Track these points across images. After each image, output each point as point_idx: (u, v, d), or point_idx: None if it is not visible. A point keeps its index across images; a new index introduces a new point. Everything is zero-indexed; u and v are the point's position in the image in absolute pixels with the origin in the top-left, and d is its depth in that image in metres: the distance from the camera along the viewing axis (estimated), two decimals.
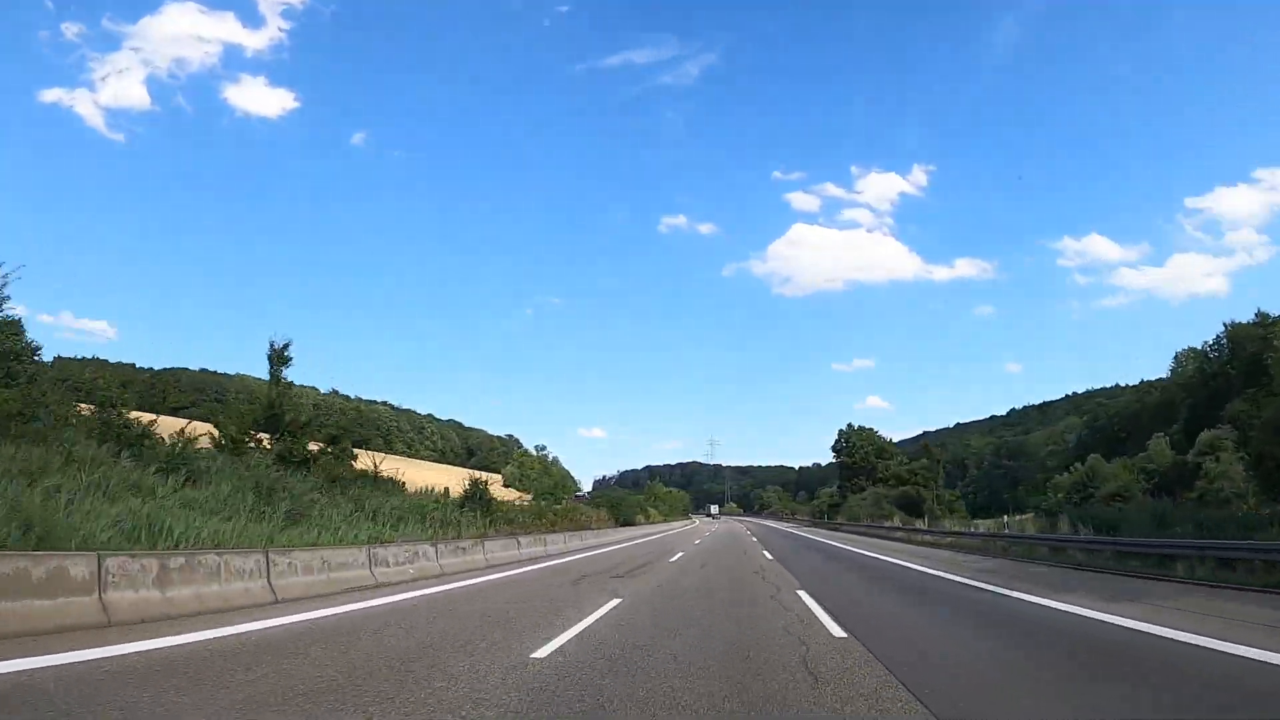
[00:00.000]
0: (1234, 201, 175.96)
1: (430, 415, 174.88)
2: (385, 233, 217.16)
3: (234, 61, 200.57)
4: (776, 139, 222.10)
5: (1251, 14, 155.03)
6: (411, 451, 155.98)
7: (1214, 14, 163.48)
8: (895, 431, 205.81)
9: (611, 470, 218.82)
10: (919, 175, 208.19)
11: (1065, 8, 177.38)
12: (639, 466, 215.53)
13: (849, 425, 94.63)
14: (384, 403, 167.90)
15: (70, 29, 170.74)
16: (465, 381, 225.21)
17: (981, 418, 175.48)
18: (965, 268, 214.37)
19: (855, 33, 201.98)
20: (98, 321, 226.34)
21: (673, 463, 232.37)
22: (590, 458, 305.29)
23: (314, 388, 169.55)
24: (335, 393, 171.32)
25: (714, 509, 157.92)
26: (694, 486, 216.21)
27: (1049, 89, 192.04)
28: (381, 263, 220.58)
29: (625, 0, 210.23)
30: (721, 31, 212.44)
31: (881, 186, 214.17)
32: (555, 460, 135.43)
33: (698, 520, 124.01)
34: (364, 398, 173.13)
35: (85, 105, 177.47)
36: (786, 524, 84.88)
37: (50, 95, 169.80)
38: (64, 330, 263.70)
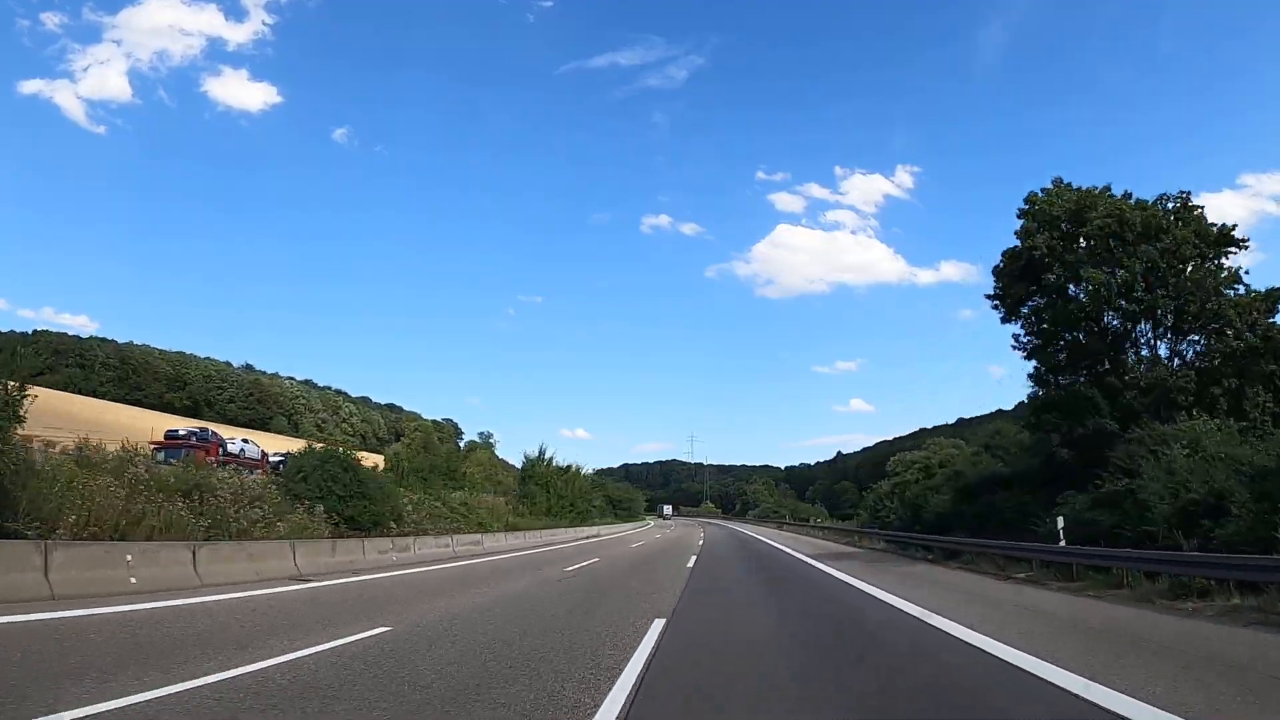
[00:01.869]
0: (1219, 207, 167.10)
1: (365, 398, 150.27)
2: (367, 228, 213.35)
3: (217, 55, 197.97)
4: (760, 139, 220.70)
5: (1239, 19, 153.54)
6: (324, 434, 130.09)
7: (1201, 19, 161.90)
8: (880, 433, 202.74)
9: (587, 469, 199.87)
10: (903, 177, 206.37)
11: (1051, 12, 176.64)
12: (615, 465, 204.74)
13: (1056, 184, 24.31)
14: (306, 380, 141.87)
15: (51, 19, 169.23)
16: (447, 380, 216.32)
17: (1002, 408, 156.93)
18: (950, 270, 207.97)
19: (841, 34, 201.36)
20: (78, 316, 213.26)
21: (651, 461, 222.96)
22: (573, 458, 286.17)
23: (228, 362, 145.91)
24: (249, 367, 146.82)
25: (666, 510, 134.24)
26: (672, 485, 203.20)
27: (1034, 93, 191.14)
28: (362, 258, 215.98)
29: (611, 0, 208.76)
30: (708, 34, 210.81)
31: (866, 188, 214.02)
32: (488, 444, 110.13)
33: (651, 521, 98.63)
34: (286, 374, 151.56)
35: (66, 97, 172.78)
36: (807, 545, 36.20)
37: (30, 86, 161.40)
38: (44, 325, 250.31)
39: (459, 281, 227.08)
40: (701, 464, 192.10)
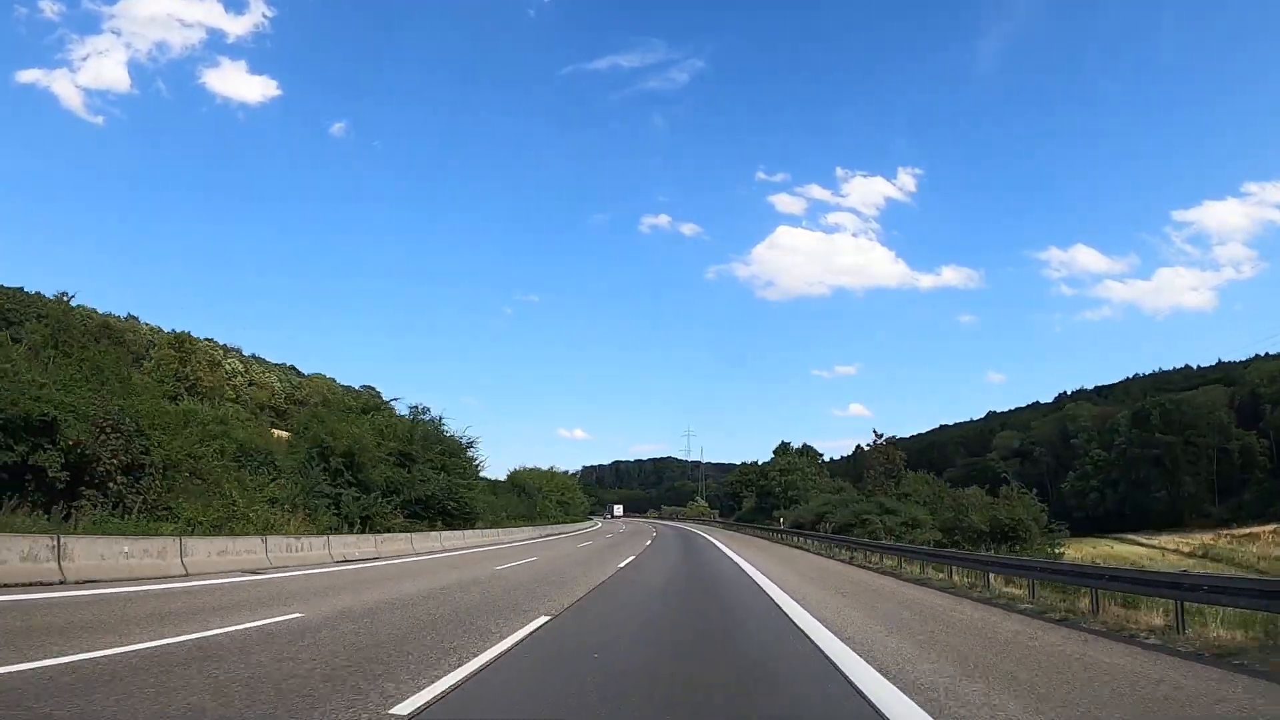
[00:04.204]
0: (1222, 215, 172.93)
1: (293, 367, 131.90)
2: (363, 223, 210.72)
3: (216, 46, 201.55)
4: (761, 139, 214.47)
5: (1242, 26, 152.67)
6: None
7: (1204, 26, 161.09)
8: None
9: (576, 467, 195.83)
10: (905, 180, 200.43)
11: (1053, 18, 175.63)
12: (606, 463, 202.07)
13: None
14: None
15: (50, 8, 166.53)
16: (442, 377, 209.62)
17: (1021, 405, 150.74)
18: (950, 276, 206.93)
19: (843, 37, 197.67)
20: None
21: (645, 459, 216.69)
22: (568, 458, 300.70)
23: (37, 292, 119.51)
24: (168, 330, 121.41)
25: (616, 510, 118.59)
26: (665, 483, 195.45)
27: (1037, 98, 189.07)
28: (358, 254, 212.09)
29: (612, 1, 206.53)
30: (709, 37, 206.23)
31: (867, 190, 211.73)
32: (432, 424, 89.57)
33: (599, 523, 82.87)
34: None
35: (64, 86, 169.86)
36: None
37: (28, 76, 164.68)
38: None
39: (455, 279, 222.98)
40: (698, 460, 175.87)
